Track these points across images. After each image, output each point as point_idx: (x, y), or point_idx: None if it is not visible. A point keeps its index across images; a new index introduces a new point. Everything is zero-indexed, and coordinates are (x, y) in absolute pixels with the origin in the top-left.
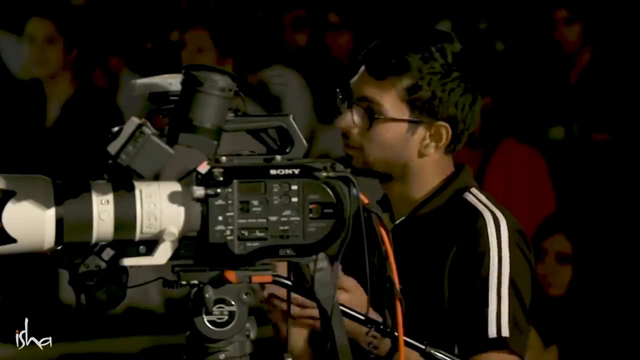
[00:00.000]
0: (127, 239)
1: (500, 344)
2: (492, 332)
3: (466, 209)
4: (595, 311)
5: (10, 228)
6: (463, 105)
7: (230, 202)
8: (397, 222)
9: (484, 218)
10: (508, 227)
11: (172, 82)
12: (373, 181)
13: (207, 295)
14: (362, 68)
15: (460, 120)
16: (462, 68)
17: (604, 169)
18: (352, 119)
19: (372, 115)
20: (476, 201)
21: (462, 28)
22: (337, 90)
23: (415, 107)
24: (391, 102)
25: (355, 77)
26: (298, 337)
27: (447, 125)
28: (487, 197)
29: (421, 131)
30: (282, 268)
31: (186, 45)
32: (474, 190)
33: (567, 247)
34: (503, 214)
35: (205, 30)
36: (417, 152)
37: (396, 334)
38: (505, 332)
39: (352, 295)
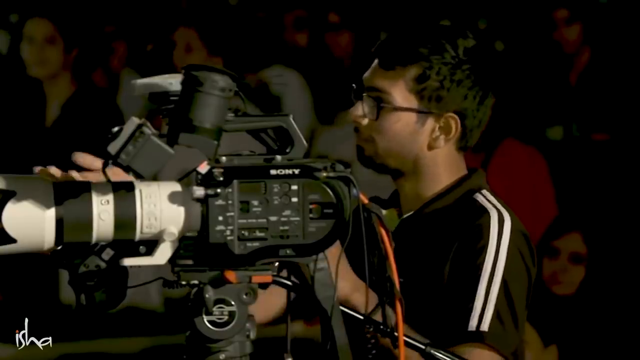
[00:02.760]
0: (127, 239)
1: (477, 337)
2: (472, 325)
3: (474, 207)
4: (594, 311)
5: (10, 228)
6: (473, 97)
7: (230, 202)
8: (405, 216)
9: (489, 214)
10: (512, 227)
11: (172, 82)
12: (375, 177)
13: (207, 295)
14: (375, 61)
15: (470, 114)
16: (473, 62)
17: (604, 169)
18: (361, 109)
19: (380, 104)
20: (485, 201)
21: (462, 28)
22: (353, 85)
23: (424, 97)
24: (399, 92)
25: (368, 71)
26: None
27: (456, 117)
28: (498, 199)
29: (430, 122)
30: None
31: (176, 44)
32: (484, 192)
33: (582, 248)
34: (510, 216)
35: (193, 29)
36: (427, 144)
37: (396, 334)
38: (485, 326)
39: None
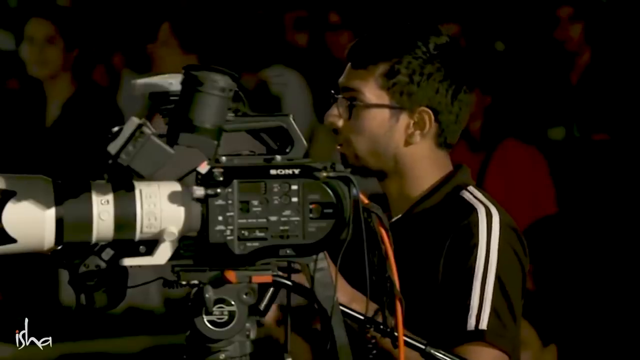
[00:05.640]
0: (127, 239)
1: (477, 336)
2: (471, 325)
3: (462, 205)
4: (595, 310)
5: (10, 228)
6: (445, 91)
7: (230, 202)
8: (394, 219)
9: (477, 212)
10: (500, 222)
11: (172, 82)
12: (372, 180)
13: (207, 295)
14: (349, 64)
15: (444, 109)
16: (445, 56)
17: (604, 170)
18: (337, 110)
19: (352, 102)
20: (472, 197)
21: (434, 26)
22: (332, 91)
23: (395, 93)
24: (371, 90)
25: (343, 74)
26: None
27: (429, 111)
28: (484, 195)
29: (404, 118)
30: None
31: (157, 39)
32: (471, 188)
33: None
34: (498, 210)
35: (168, 24)
36: (403, 141)
37: (396, 334)
38: (484, 325)
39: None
